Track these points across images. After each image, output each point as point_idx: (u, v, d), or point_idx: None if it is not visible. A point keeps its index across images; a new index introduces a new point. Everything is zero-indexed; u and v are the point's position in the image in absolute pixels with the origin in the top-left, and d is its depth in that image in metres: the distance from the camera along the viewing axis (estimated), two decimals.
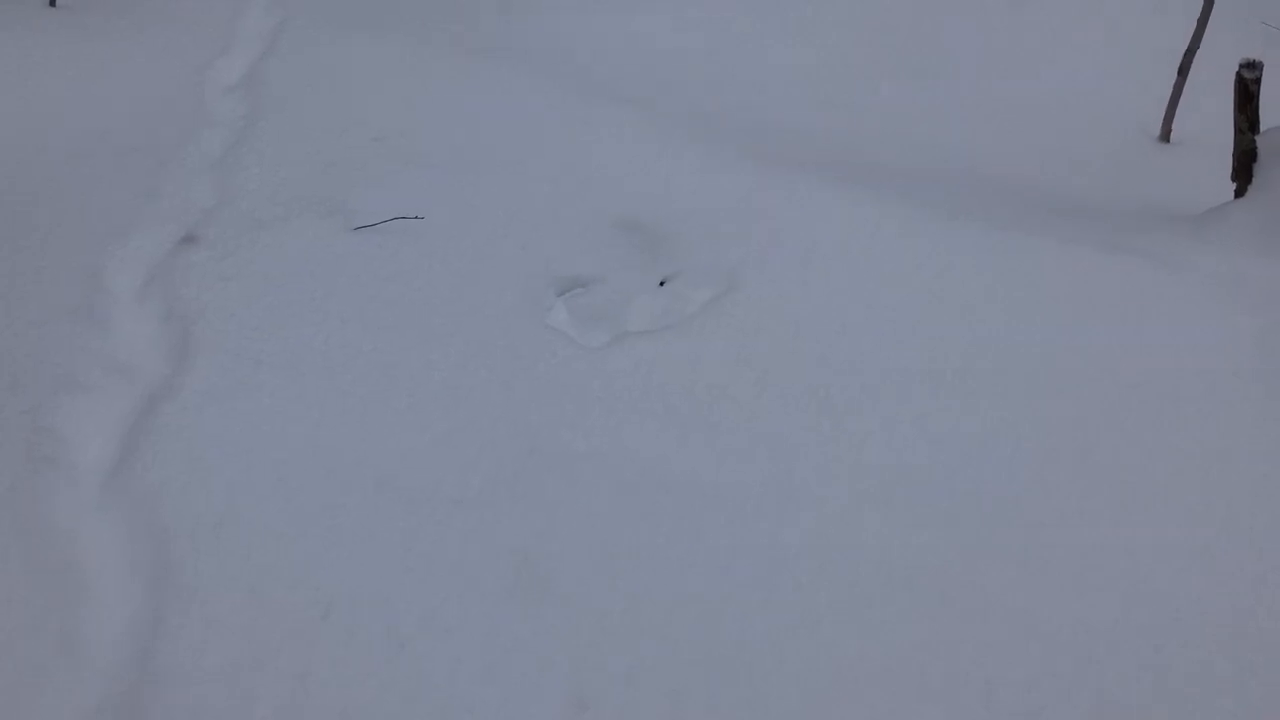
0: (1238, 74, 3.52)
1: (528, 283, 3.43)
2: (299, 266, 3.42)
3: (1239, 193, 3.58)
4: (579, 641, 2.20)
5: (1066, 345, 3.09)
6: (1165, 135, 4.87)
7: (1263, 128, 3.57)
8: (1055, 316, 3.19)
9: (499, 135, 4.34)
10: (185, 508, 2.44)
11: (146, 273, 3.38)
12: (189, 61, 5.09)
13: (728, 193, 3.86)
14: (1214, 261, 3.25)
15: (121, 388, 2.87)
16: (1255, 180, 3.49)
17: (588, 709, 2.08)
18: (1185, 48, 4.67)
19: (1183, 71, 4.72)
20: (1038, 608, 2.32)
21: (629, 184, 3.95)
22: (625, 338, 3.18)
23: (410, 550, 2.39)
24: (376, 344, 3.06)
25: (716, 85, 5.21)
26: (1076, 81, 5.39)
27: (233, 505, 2.45)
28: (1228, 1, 5.29)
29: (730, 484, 2.59)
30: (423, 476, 2.58)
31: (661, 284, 3.50)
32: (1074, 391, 2.91)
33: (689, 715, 2.08)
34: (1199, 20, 4.70)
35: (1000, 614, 2.30)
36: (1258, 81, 3.48)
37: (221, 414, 2.73)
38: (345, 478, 2.55)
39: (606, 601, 2.29)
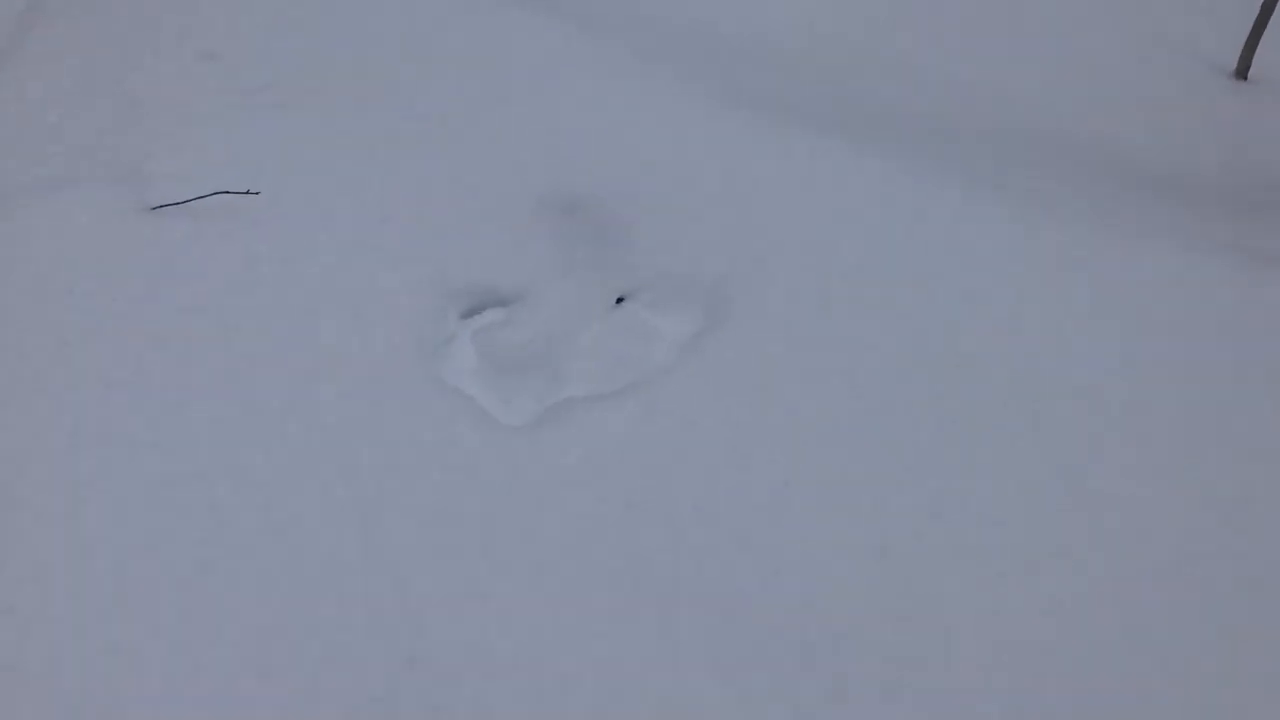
0: None
1: (416, 302, 2.30)
2: (69, 272, 2.24)
3: None
4: None
5: (1142, 392, 2.13)
6: (1242, 71, 3.87)
7: None
8: (1130, 345, 2.23)
9: (378, 53, 3.10)
10: None
11: None
12: None
13: (704, 155, 2.73)
14: None
15: None
16: None
17: None
18: None
19: None
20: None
21: (562, 136, 2.79)
22: (564, 409, 2.10)
23: None
24: (193, 430, 1.94)
25: None
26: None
27: None
28: None
29: None
30: None
31: (619, 302, 2.41)
32: (1153, 448, 1.97)
33: None
34: None
35: None
36: None
37: None
38: None
39: None
